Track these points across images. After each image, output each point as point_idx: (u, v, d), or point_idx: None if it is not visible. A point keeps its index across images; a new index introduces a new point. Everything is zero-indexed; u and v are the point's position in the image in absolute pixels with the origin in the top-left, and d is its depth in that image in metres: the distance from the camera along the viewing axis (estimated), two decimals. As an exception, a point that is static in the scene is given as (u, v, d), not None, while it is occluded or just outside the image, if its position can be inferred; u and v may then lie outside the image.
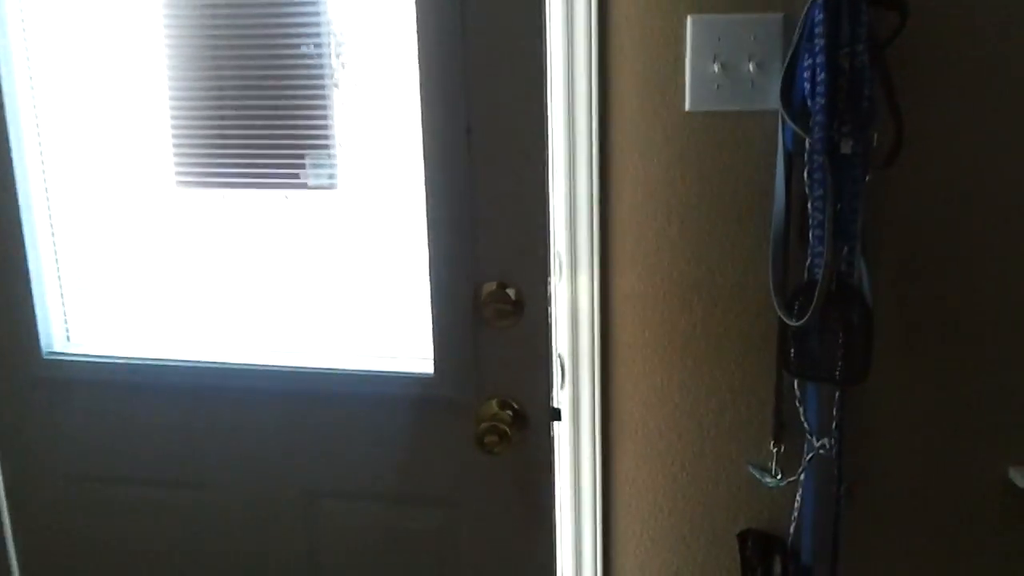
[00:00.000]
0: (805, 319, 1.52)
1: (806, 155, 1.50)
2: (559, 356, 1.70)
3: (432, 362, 1.46)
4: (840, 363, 1.57)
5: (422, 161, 1.35)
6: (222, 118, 1.47)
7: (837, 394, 1.62)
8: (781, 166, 1.57)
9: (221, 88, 1.45)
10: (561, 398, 1.72)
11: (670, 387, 1.70)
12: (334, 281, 1.54)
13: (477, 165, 1.36)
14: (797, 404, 1.66)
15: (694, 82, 1.58)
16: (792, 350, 1.60)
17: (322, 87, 1.44)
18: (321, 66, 1.43)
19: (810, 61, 1.47)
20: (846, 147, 1.49)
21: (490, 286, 1.40)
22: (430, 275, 1.40)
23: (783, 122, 1.54)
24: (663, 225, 1.63)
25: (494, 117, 1.34)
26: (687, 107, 1.59)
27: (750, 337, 1.68)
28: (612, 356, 1.70)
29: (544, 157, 1.35)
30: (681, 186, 1.62)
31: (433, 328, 1.43)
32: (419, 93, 1.33)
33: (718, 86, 1.58)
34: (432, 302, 1.42)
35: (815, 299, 1.49)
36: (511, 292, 1.40)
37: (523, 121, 1.34)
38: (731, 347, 1.68)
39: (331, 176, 1.48)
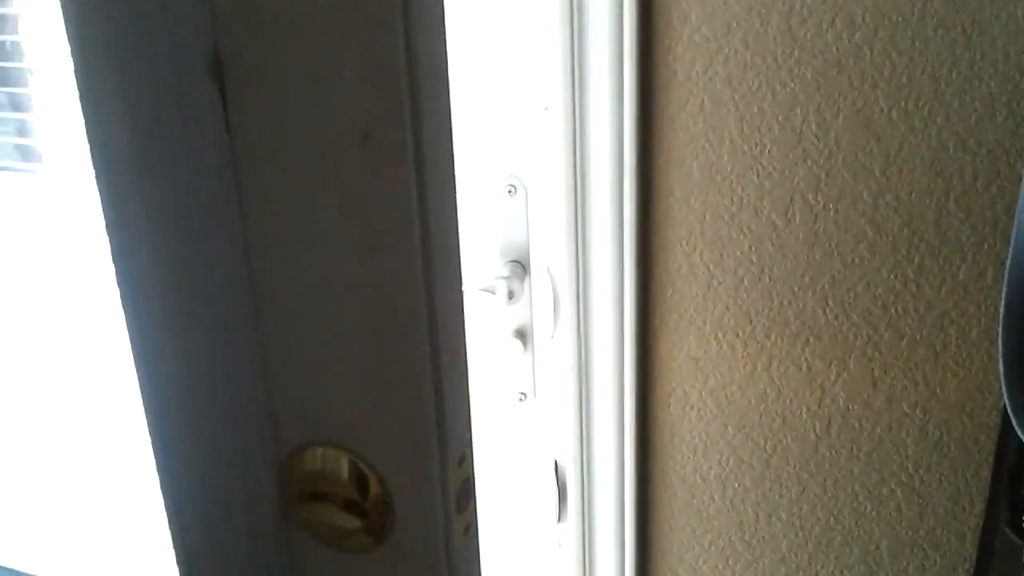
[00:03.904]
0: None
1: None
2: (557, 466, 0.94)
3: None
4: None
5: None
6: None
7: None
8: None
9: None
10: (562, 539, 0.96)
11: (772, 524, 0.93)
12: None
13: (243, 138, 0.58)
14: (1030, 586, 0.87)
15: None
16: (1035, 494, 0.81)
17: None
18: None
19: None
20: None
21: (317, 456, 0.62)
22: (148, 423, 0.62)
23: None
24: (775, 226, 0.83)
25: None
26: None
27: (938, 451, 0.88)
28: (657, 470, 0.93)
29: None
30: (818, 145, 0.80)
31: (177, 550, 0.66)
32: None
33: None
34: (164, 486, 0.63)
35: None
36: (368, 476, 0.62)
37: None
38: (893, 466, 0.89)
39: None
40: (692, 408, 0.89)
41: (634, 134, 0.81)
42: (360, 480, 0.55)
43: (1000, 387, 0.80)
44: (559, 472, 0.93)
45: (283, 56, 0.49)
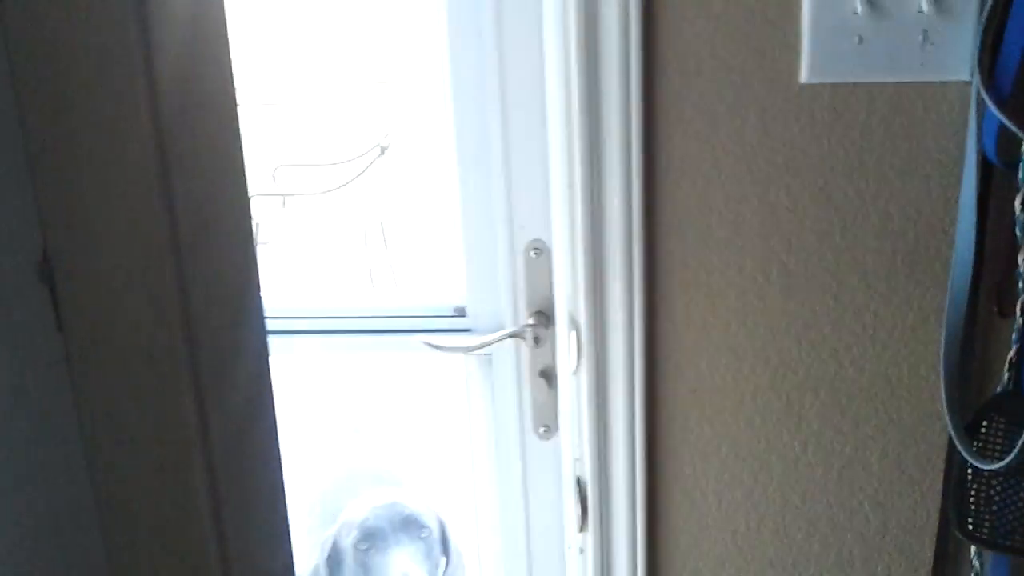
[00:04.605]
0: (1007, 461, 0.90)
1: (1022, 172, 0.87)
2: (580, 483, 1.12)
3: None
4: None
5: None
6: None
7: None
8: (971, 187, 0.93)
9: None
10: (584, 545, 1.13)
11: (761, 531, 1.11)
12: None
13: None
14: (975, 579, 1.05)
15: (817, 33, 0.94)
16: (972, 500, 0.99)
17: None
18: None
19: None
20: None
21: None
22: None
23: (980, 108, 0.90)
24: (756, 281, 1.02)
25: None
26: (803, 77, 0.95)
27: (897, 468, 1.06)
28: (664, 486, 1.11)
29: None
30: (789, 216, 0.99)
31: None
32: None
33: (860, 39, 0.94)
34: None
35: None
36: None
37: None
38: (860, 481, 1.07)
39: None
40: (692, 432, 1.08)
41: (641, 206, 1.00)
42: None
43: (943, 411, 0.98)
44: (581, 488, 1.11)
45: (95, 261, 0.51)
